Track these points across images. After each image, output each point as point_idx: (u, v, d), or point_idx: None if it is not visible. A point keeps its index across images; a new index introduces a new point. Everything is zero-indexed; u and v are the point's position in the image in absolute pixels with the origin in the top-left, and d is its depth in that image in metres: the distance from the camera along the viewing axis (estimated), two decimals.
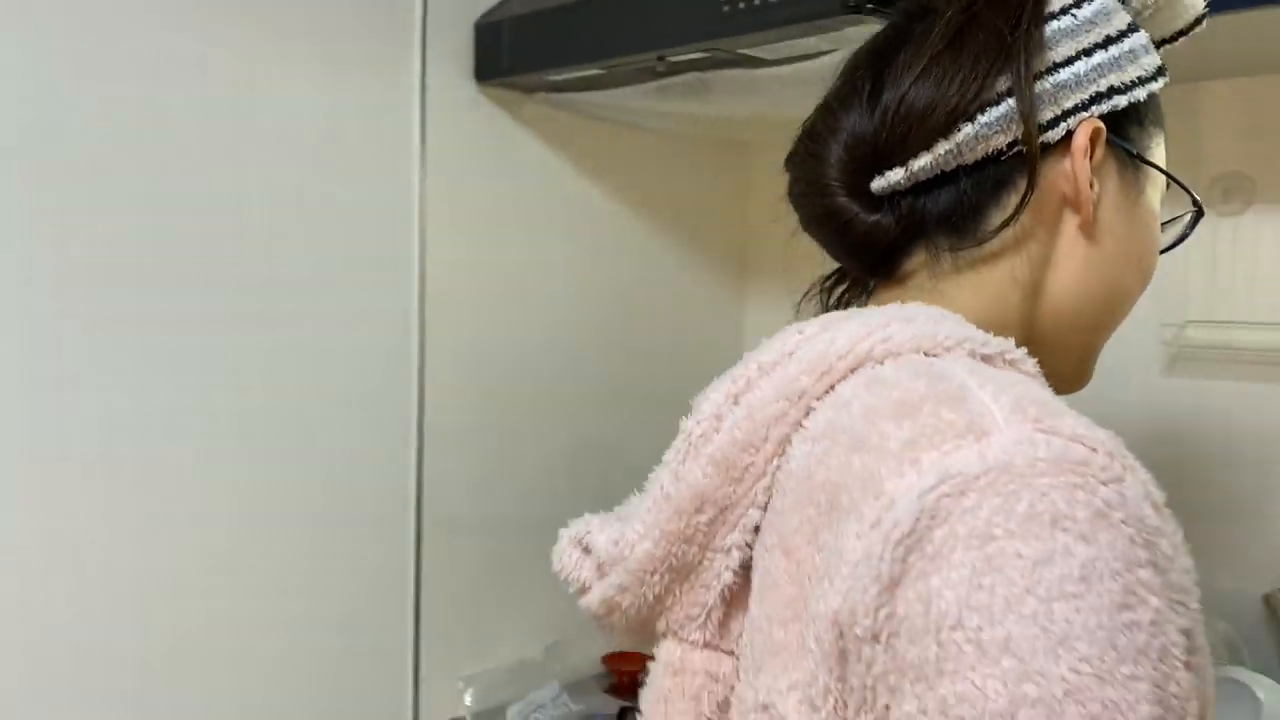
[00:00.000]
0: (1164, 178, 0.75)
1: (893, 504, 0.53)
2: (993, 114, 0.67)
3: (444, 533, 1.66)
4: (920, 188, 0.70)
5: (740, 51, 1.38)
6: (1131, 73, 0.70)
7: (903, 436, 0.55)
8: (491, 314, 1.72)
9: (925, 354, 0.62)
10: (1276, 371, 1.47)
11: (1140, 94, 0.71)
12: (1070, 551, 0.49)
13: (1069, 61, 0.69)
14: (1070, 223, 0.70)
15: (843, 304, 0.81)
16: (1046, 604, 0.48)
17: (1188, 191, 0.76)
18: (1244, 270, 1.49)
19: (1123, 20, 0.71)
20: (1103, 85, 0.69)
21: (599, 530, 0.70)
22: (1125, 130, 0.72)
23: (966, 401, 0.55)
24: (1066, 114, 0.68)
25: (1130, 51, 0.70)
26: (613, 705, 1.72)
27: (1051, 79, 0.68)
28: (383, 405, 1.59)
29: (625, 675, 1.82)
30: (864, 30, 1.25)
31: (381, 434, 1.59)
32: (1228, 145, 1.50)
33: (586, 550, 0.71)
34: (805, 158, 0.75)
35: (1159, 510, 0.54)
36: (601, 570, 0.70)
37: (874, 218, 0.71)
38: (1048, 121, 0.68)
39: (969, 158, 0.68)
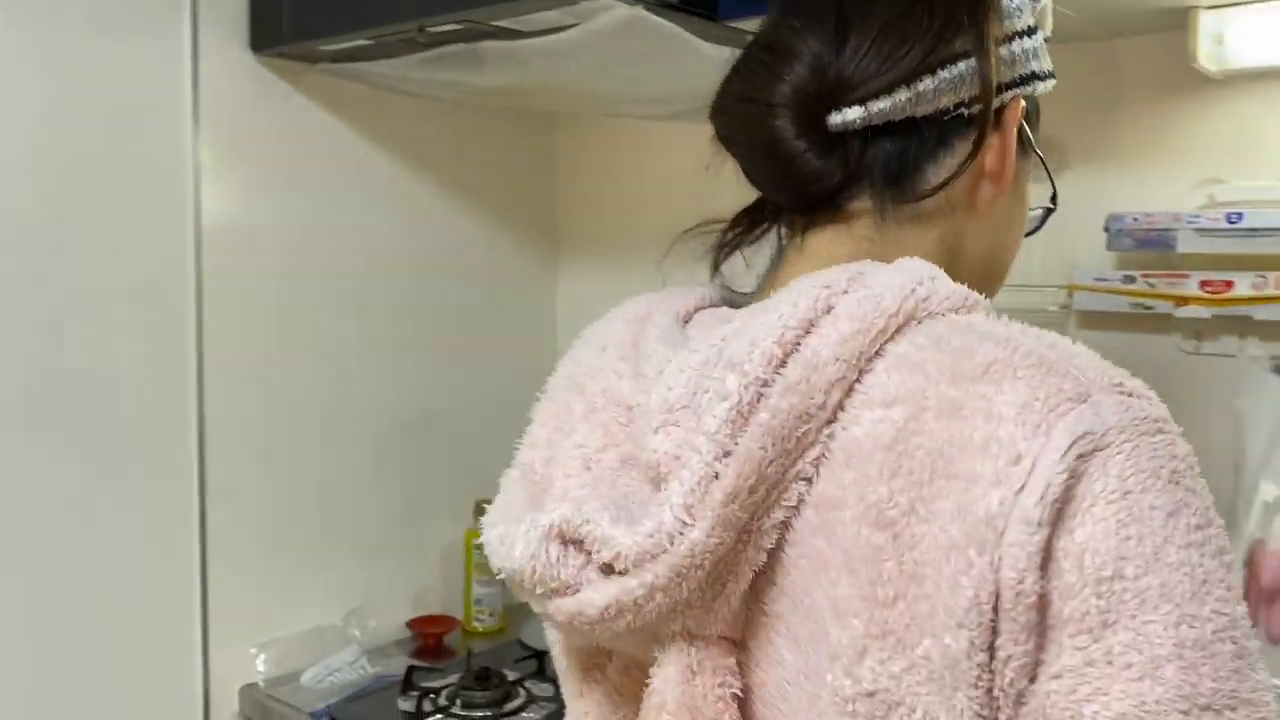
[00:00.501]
0: (1036, 170, 0.79)
1: (1034, 467, 0.53)
2: (952, 71, 0.67)
3: (230, 500, 1.67)
4: (870, 133, 0.68)
5: (495, 24, 1.40)
6: (1045, 63, 0.74)
7: (1014, 400, 0.55)
8: (279, 289, 1.72)
9: (957, 311, 0.62)
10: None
11: (1049, 85, 0.74)
12: (1188, 503, 0.53)
13: (1018, 36, 0.71)
14: (985, 195, 0.72)
15: (734, 248, 0.78)
16: (1185, 551, 0.52)
17: (1054, 186, 0.81)
18: None
19: (1031, 15, 0.74)
20: (1033, 67, 0.72)
21: (607, 521, 0.61)
22: (1030, 117, 0.74)
23: (1057, 365, 0.56)
24: (1007, 86, 0.71)
25: (1044, 43, 0.74)
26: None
27: (1003, 49, 0.70)
28: (160, 377, 1.59)
29: (431, 638, 1.85)
30: (607, 7, 1.29)
31: (159, 401, 1.59)
32: None
33: (570, 544, 0.62)
34: (758, 69, 0.71)
35: None
36: (613, 567, 0.60)
37: (822, 157, 0.69)
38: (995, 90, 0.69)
39: (920, 111, 0.68)
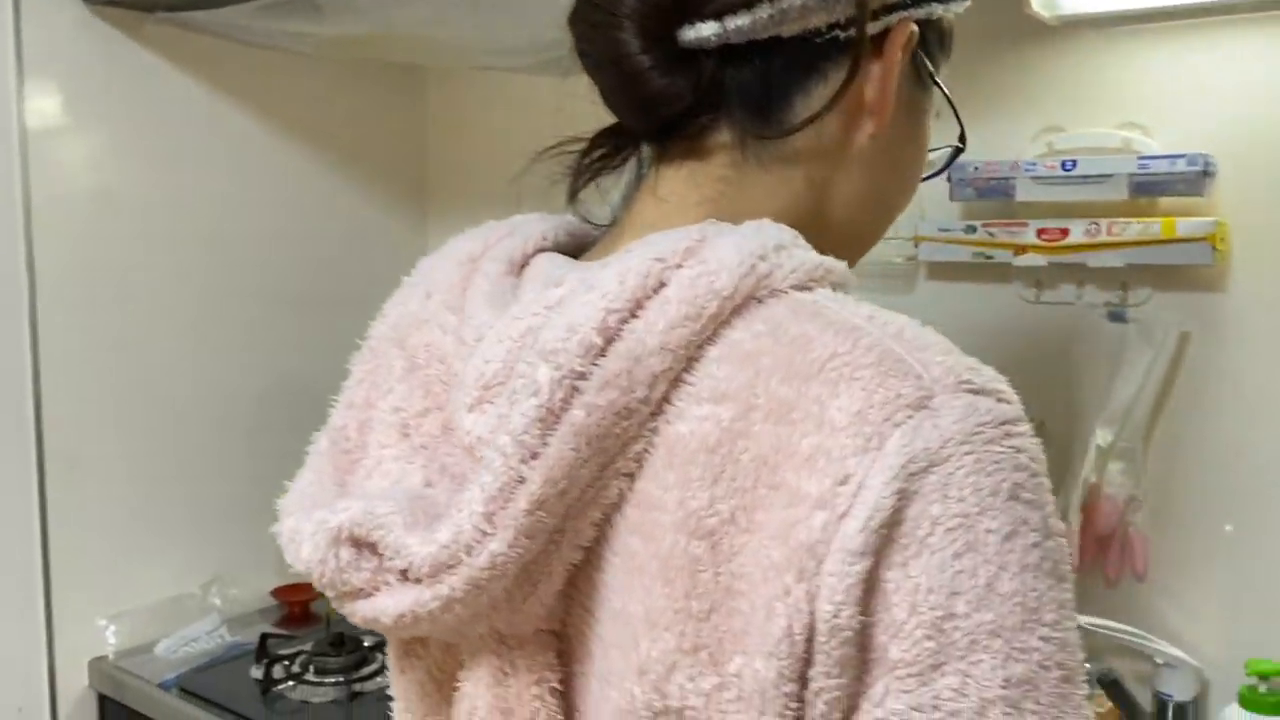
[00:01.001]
0: (939, 104, 0.71)
1: (862, 488, 0.49)
2: None
3: (72, 469, 1.61)
4: (728, 53, 0.61)
5: None
6: None
7: (848, 407, 0.50)
8: (125, 256, 1.66)
9: (802, 287, 0.56)
10: (870, 283, 1.55)
11: (957, 8, 0.67)
12: (1027, 519, 0.50)
13: None
14: (864, 129, 0.64)
15: (596, 173, 0.69)
16: (1020, 577, 0.49)
17: (961, 126, 0.72)
18: None
19: None
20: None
21: (400, 527, 0.55)
22: (927, 45, 0.67)
23: (900, 363, 0.51)
24: (889, 8, 0.62)
25: None
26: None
27: None
28: None
29: (297, 606, 1.82)
30: None
31: None
32: None
33: (362, 547, 0.57)
34: None
35: None
36: (408, 576, 0.55)
37: (669, 77, 0.61)
38: (872, 11, 0.61)
39: (785, 30, 0.60)
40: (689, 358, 0.54)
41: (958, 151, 0.75)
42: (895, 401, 0.50)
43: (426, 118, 2.08)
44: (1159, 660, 1.29)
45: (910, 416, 0.50)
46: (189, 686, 1.55)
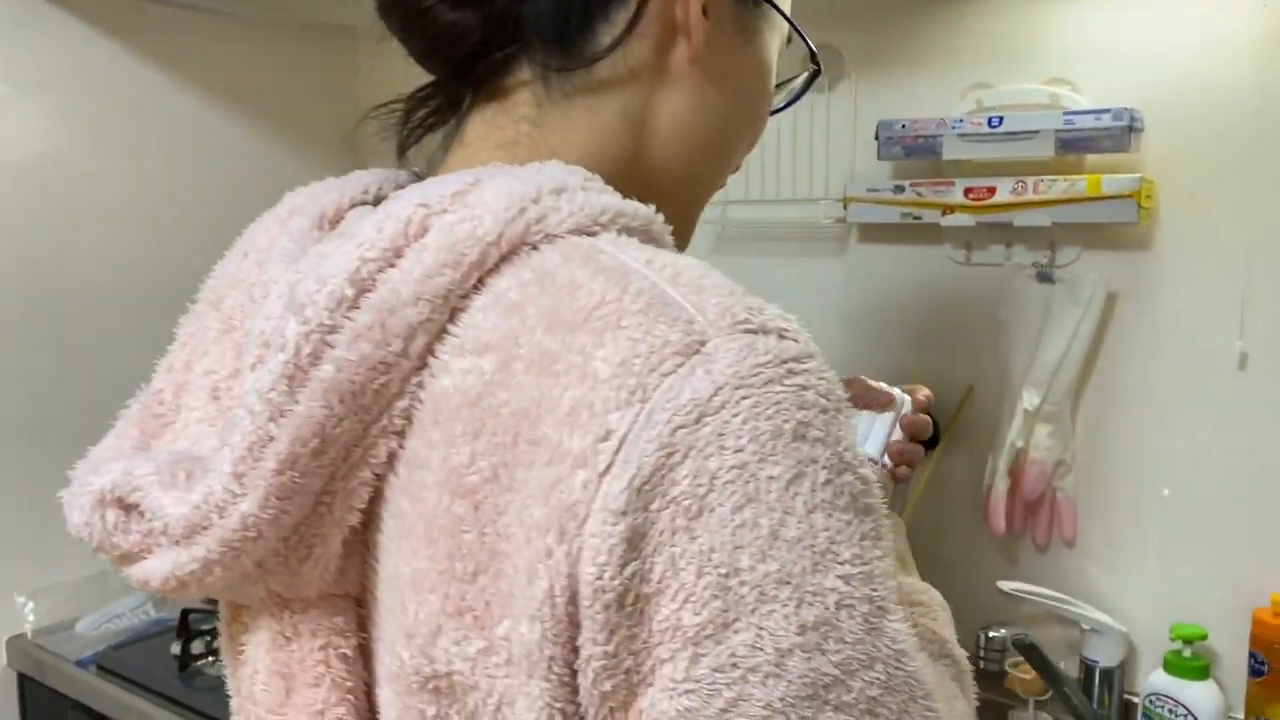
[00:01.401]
0: (784, 29, 0.67)
1: (624, 443, 0.46)
2: None
3: None
4: None
5: None
6: None
7: (612, 358, 0.47)
8: (33, 223, 1.61)
9: (585, 232, 0.53)
10: (802, 246, 1.52)
11: None
12: (814, 458, 0.47)
13: None
14: (681, 53, 0.61)
15: (428, 128, 0.66)
16: (808, 519, 0.46)
17: (808, 46, 0.68)
18: (773, 148, 1.52)
19: None
20: None
21: (157, 487, 0.54)
22: None
23: (671, 308, 0.48)
24: None
25: None
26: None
27: None
28: None
29: None
30: None
31: None
32: None
33: (130, 510, 0.56)
34: None
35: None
36: (165, 537, 0.54)
37: (457, 11, 0.59)
38: None
39: None
40: (453, 309, 0.51)
41: (813, 76, 0.70)
42: (663, 350, 0.47)
43: (357, 77, 2.03)
44: (1085, 626, 1.27)
45: (680, 364, 0.47)
46: (106, 664, 1.51)
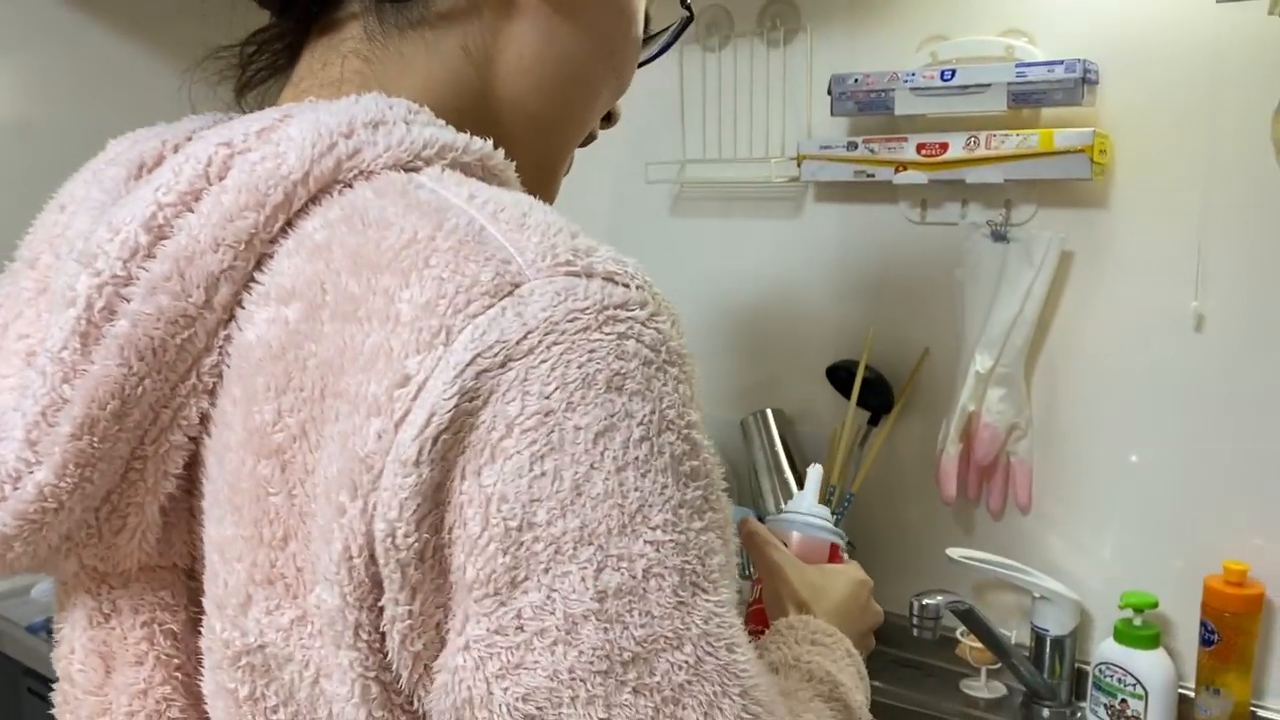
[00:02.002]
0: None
1: (422, 389, 0.42)
2: None
3: None
4: None
5: None
6: None
7: (417, 299, 0.44)
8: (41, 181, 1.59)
9: (404, 169, 0.50)
10: (758, 206, 1.49)
11: None
12: (630, 412, 0.44)
13: None
14: None
15: (275, 70, 0.61)
16: (618, 476, 0.43)
17: None
18: (730, 105, 1.48)
19: None
20: None
21: None
22: None
23: (486, 245, 0.45)
24: None
25: None
26: None
27: None
28: None
29: None
30: None
31: None
32: None
33: None
34: None
35: (682, 334, 0.48)
36: None
37: None
38: None
39: None
40: (259, 254, 0.48)
41: (685, 23, 0.67)
42: (471, 290, 0.43)
43: None
44: (1035, 594, 1.24)
45: (490, 306, 0.43)
46: None
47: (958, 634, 1.30)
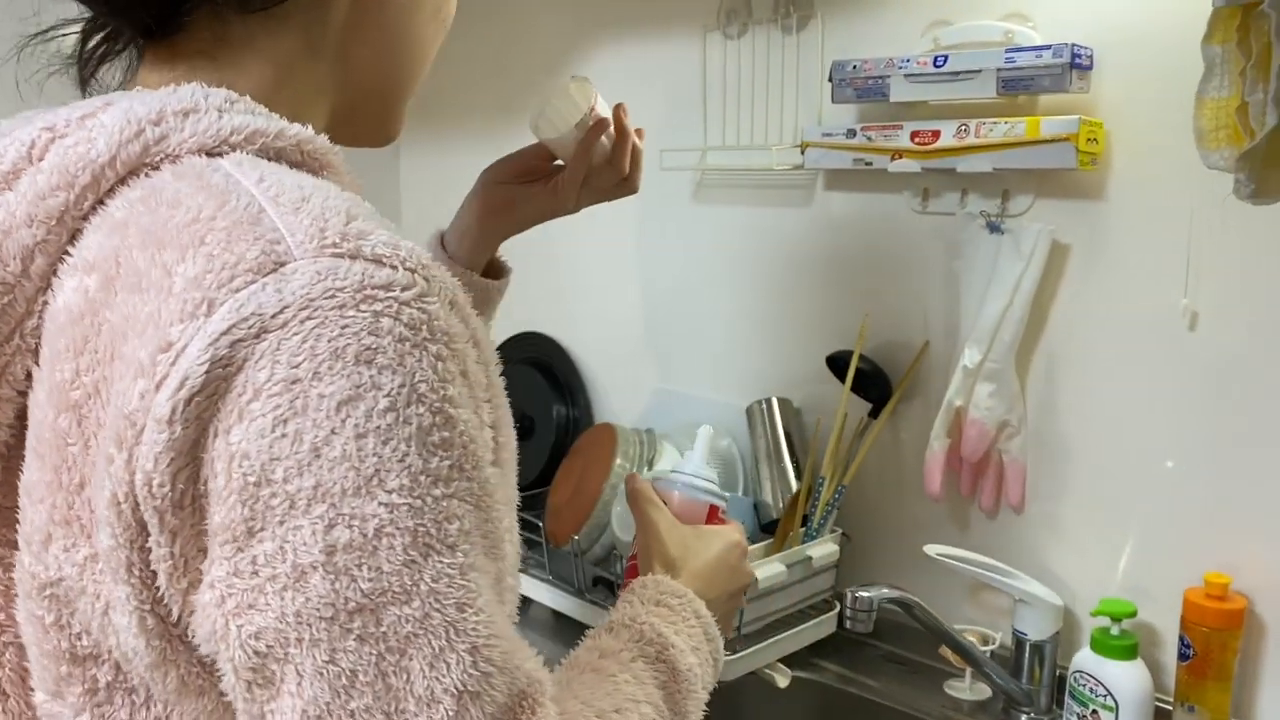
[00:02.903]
0: None
1: (180, 355, 0.47)
2: None
3: None
4: None
5: None
6: None
7: (188, 273, 0.48)
8: None
9: (209, 154, 0.54)
10: (772, 194, 1.48)
11: None
12: (377, 384, 0.47)
13: None
14: None
15: (101, 59, 0.66)
16: (357, 442, 0.47)
17: None
18: (748, 93, 1.48)
19: None
20: None
21: None
22: None
23: (259, 226, 0.49)
24: None
25: None
26: None
27: None
28: None
29: None
30: None
31: None
32: None
33: None
34: None
35: (466, 317, 0.53)
36: None
37: None
38: None
39: None
40: (71, 230, 0.53)
41: None
42: (236, 267, 0.48)
43: None
44: (1015, 597, 1.20)
45: (252, 282, 0.48)
46: None
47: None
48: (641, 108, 1.65)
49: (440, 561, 0.48)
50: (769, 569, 1.26)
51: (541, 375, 1.78)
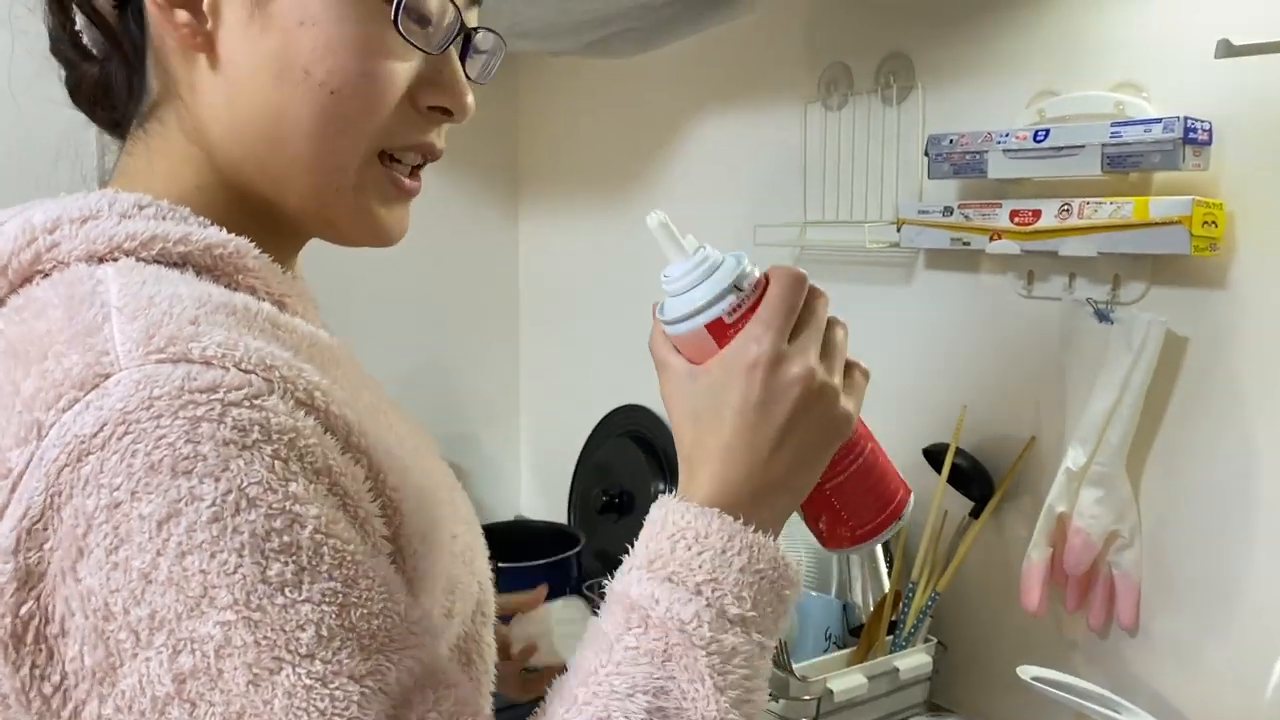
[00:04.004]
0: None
1: (19, 482, 0.45)
2: None
3: None
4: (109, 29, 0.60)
5: None
6: None
7: (26, 391, 0.46)
8: None
9: (102, 260, 0.53)
10: (871, 271, 1.40)
11: None
12: (198, 496, 0.45)
13: None
14: (178, 55, 0.59)
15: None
16: (180, 562, 0.44)
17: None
18: (847, 165, 1.41)
19: None
20: None
21: None
22: None
23: (95, 337, 0.47)
24: None
25: None
26: None
27: None
28: None
29: None
30: None
31: None
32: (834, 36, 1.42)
33: None
34: None
35: (322, 411, 0.50)
36: None
37: (87, 61, 0.62)
38: None
39: None
40: None
41: (399, 8, 0.58)
42: (62, 384, 0.46)
43: (518, 98, 2.09)
44: None
45: (76, 400, 0.46)
46: None
47: None
48: (742, 181, 1.61)
49: (294, 674, 0.45)
50: (849, 680, 1.16)
51: (641, 449, 1.74)
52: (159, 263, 0.54)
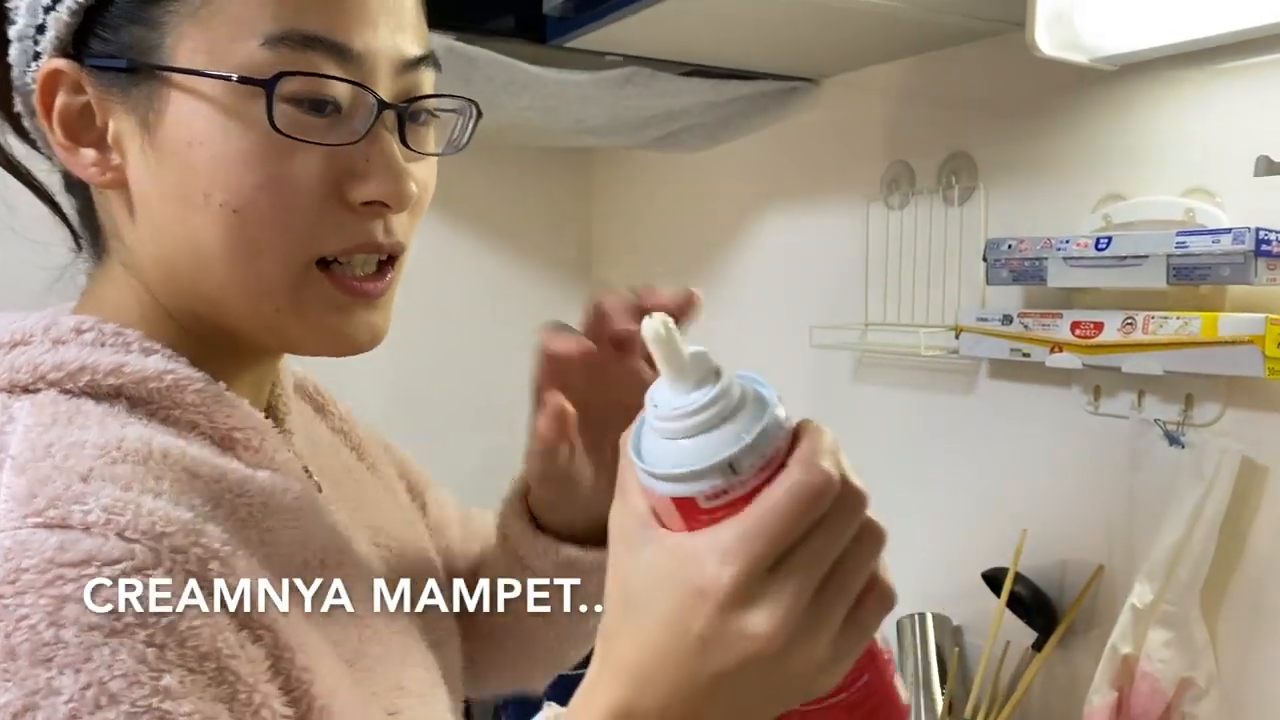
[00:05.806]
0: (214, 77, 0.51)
1: None
2: None
3: None
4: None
5: None
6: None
7: None
8: None
9: (24, 390, 0.50)
10: (933, 378, 1.32)
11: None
12: (55, 689, 0.41)
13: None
14: (118, 191, 0.55)
15: None
16: None
17: (263, 83, 0.50)
18: (909, 266, 1.35)
19: None
20: (40, 18, 0.52)
21: None
22: (90, 43, 0.52)
23: None
24: (22, 72, 0.54)
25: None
26: None
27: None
28: None
29: None
30: None
31: None
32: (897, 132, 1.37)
33: None
34: None
35: (216, 586, 0.46)
36: None
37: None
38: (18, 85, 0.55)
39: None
40: None
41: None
42: None
43: (591, 194, 2.09)
44: None
45: None
46: None
47: None
48: (804, 280, 1.57)
49: None
50: None
51: None
52: (88, 394, 0.51)
